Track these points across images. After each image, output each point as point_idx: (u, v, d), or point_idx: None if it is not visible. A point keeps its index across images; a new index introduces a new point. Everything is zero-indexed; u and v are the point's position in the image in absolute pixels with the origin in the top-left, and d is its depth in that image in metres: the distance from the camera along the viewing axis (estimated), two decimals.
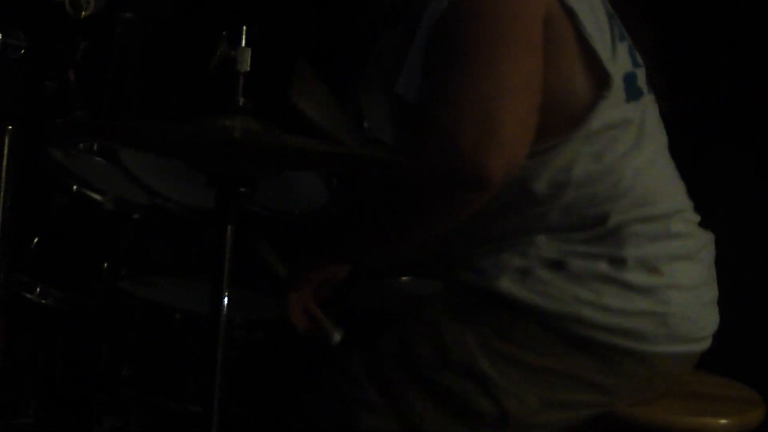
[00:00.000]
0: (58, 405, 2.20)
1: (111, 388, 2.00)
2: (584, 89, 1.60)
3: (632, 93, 1.65)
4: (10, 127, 1.83)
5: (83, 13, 2.04)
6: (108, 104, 2.50)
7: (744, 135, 2.76)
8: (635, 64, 1.69)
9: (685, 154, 1.78)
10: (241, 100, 1.40)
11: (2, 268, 1.92)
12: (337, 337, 1.71)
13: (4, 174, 1.83)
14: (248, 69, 1.40)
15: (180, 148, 1.51)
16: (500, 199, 1.56)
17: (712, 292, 1.71)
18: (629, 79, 1.65)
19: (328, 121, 1.76)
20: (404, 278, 2.21)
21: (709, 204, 1.76)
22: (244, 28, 1.42)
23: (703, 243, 1.71)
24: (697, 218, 1.72)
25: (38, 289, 2.03)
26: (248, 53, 1.41)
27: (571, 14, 1.58)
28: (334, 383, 1.67)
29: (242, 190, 1.39)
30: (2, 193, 1.84)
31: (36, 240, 2.05)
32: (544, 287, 1.58)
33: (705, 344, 1.69)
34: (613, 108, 1.61)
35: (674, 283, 1.62)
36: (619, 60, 1.64)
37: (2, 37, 1.82)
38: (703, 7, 2.73)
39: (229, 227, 1.39)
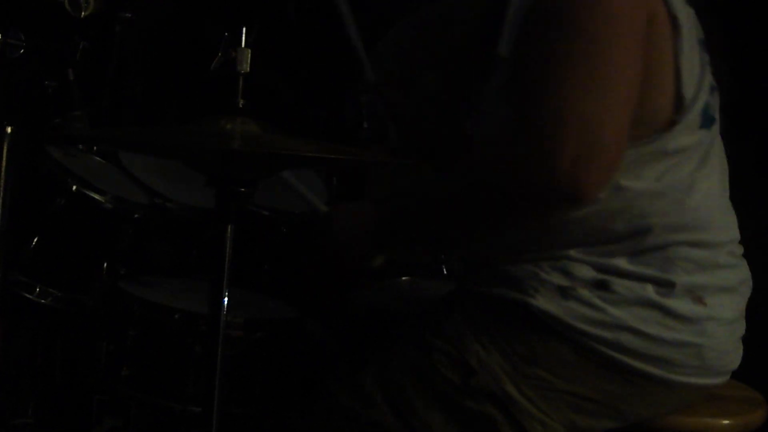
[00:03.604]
0: (58, 405, 2.20)
1: (111, 388, 2.00)
2: (668, 106, 1.54)
3: (706, 120, 1.60)
4: (10, 127, 1.83)
5: (83, 12, 2.04)
6: (108, 104, 2.50)
7: (745, 134, 2.76)
8: (712, 89, 1.64)
9: None
10: (241, 102, 1.39)
11: (2, 268, 1.92)
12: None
13: (4, 174, 1.83)
14: (248, 70, 1.40)
15: (179, 152, 1.51)
16: None
17: (742, 328, 1.67)
18: (706, 106, 1.60)
19: None
20: (404, 278, 2.21)
21: None
22: (244, 29, 1.42)
23: (745, 277, 1.67)
24: (741, 249, 1.68)
25: (37, 289, 2.03)
26: (248, 54, 1.41)
27: (674, 23, 1.52)
28: (344, 401, 1.58)
29: (242, 190, 1.39)
30: (2, 193, 1.84)
31: (35, 240, 2.04)
32: (585, 310, 1.51)
33: (727, 378, 1.66)
34: (687, 133, 1.56)
35: (715, 316, 1.57)
36: (704, 86, 1.59)
37: (2, 36, 1.82)
38: (704, 5, 2.73)
39: (229, 227, 1.39)
